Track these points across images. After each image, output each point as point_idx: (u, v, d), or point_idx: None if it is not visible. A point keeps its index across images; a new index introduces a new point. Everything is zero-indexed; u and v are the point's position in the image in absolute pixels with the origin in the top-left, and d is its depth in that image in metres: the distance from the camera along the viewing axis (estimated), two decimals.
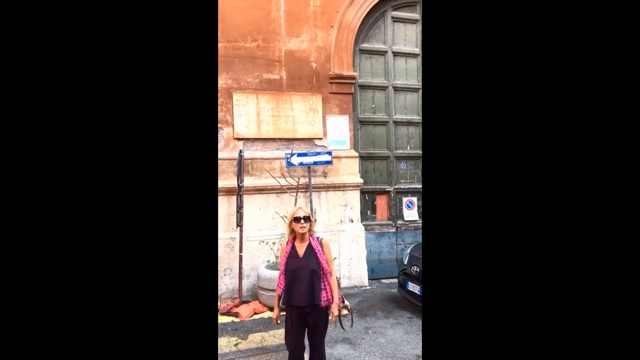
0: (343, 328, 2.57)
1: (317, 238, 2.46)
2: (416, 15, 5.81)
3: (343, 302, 2.49)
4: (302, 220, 2.35)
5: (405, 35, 5.78)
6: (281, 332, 3.22)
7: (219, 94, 4.85)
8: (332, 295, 2.37)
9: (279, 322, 2.49)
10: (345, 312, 2.51)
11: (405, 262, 4.28)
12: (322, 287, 2.34)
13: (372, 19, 5.58)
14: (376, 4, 5.48)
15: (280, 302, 2.42)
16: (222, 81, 4.91)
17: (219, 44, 4.82)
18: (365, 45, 5.60)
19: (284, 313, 2.43)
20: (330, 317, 2.38)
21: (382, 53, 5.67)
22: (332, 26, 5.30)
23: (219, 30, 4.78)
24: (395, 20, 5.73)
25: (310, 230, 2.42)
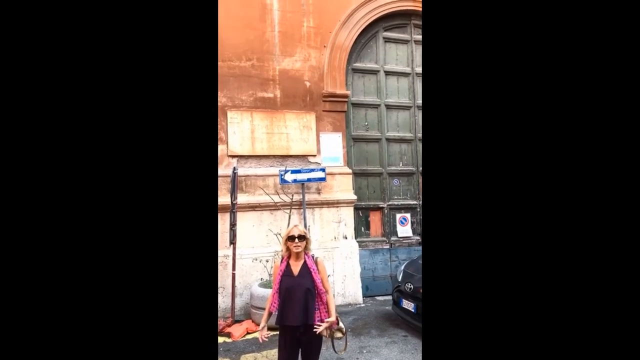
0: (335, 351, 2.53)
1: (312, 256, 2.45)
2: (407, 36, 5.97)
3: (338, 324, 2.45)
4: (297, 239, 2.35)
5: (397, 55, 5.92)
6: (274, 352, 3.17)
7: None
8: (327, 314, 2.34)
9: (266, 338, 2.36)
10: (339, 334, 2.45)
11: (399, 279, 4.26)
12: (316, 306, 2.31)
13: (364, 39, 5.71)
14: (368, 26, 5.63)
15: (275, 321, 2.38)
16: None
17: None
18: (357, 65, 5.71)
19: (272, 333, 2.35)
20: (321, 327, 2.26)
21: (374, 72, 5.79)
22: (325, 46, 5.41)
23: None
24: (387, 40, 5.88)
25: (305, 248, 2.42)
